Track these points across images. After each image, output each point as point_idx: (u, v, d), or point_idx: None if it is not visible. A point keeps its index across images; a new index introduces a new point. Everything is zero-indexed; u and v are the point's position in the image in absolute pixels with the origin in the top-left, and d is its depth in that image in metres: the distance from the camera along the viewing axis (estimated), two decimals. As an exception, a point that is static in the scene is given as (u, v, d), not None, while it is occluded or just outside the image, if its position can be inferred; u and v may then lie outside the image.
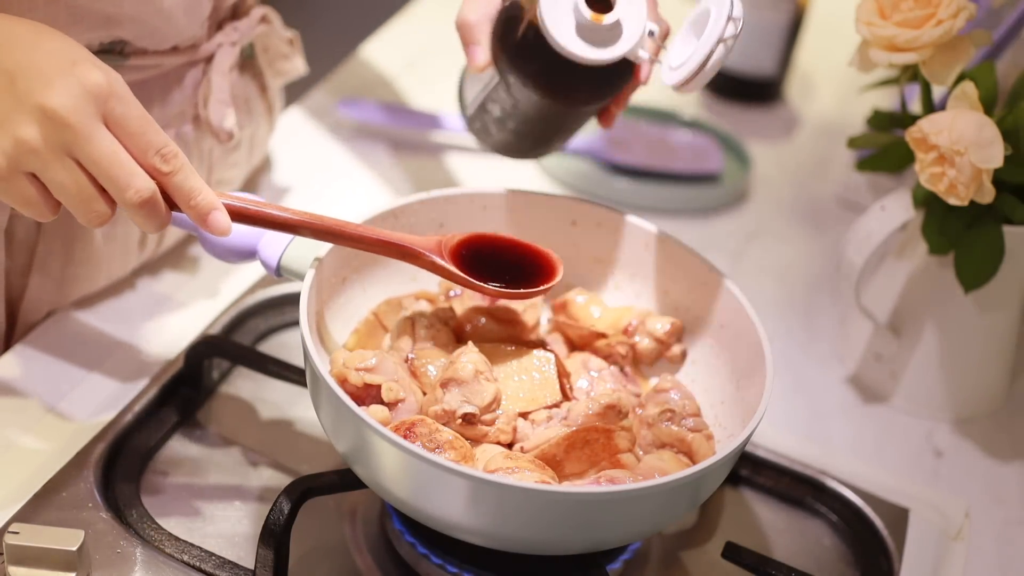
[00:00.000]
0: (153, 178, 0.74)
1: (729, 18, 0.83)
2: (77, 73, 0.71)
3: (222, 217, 0.76)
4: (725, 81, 1.47)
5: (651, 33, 0.87)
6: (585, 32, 0.86)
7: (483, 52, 0.90)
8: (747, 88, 1.48)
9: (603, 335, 0.89)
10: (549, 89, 0.90)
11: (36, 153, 0.71)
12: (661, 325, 0.90)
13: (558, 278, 0.85)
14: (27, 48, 0.72)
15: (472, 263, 0.85)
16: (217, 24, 1.01)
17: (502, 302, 0.90)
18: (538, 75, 0.89)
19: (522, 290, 0.84)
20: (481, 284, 0.84)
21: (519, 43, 0.89)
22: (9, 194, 0.74)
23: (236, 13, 1.04)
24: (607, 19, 0.85)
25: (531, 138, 0.99)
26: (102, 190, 0.73)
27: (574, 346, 0.91)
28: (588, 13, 0.85)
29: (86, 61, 0.72)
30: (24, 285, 0.97)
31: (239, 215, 0.78)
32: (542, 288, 0.85)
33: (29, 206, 0.74)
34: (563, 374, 0.86)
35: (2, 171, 0.72)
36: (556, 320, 0.92)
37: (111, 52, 0.91)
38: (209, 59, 1.00)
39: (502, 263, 0.86)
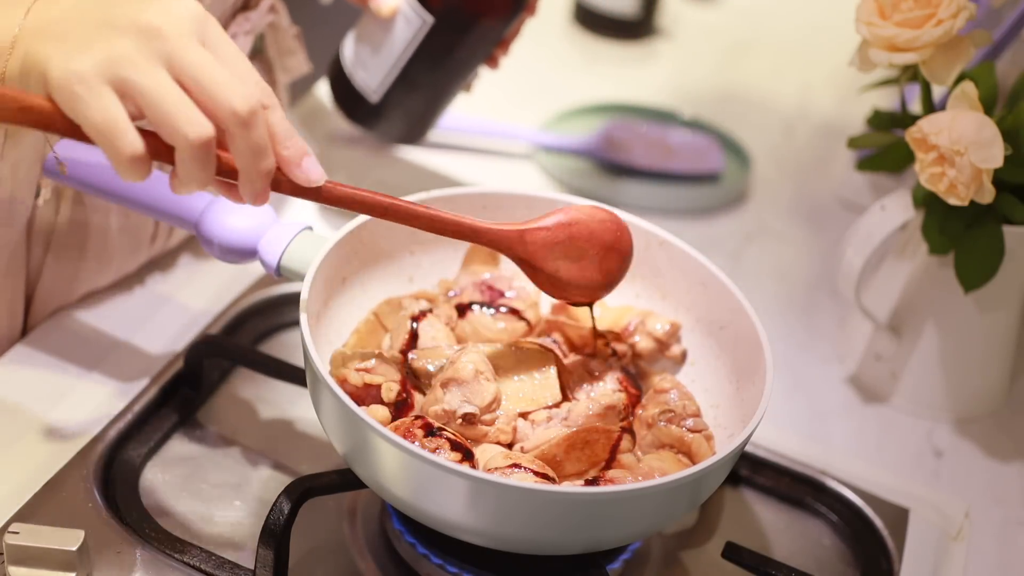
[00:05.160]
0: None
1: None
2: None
3: (315, 165, 0.72)
4: (591, 17, 1.60)
5: None
6: None
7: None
8: (614, 26, 1.60)
9: (603, 335, 0.89)
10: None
11: (130, 60, 0.66)
12: (661, 325, 0.90)
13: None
14: None
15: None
16: (231, 15, 1.02)
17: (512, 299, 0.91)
18: None
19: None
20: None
21: None
22: (89, 108, 0.66)
23: (247, 3, 1.05)
24: None
25: (433, 90, 1.10)
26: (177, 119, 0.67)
27: (574, 346, 0.91)
28: None
29: None
30: (37, 281, 0.97)
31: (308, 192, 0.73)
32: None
33: (105, 130, 0.66)
34: (563, 374, 0.86)
35: (87, 76, 0.65)
36: (556, 320, 0.92)
37: None
38: None
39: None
